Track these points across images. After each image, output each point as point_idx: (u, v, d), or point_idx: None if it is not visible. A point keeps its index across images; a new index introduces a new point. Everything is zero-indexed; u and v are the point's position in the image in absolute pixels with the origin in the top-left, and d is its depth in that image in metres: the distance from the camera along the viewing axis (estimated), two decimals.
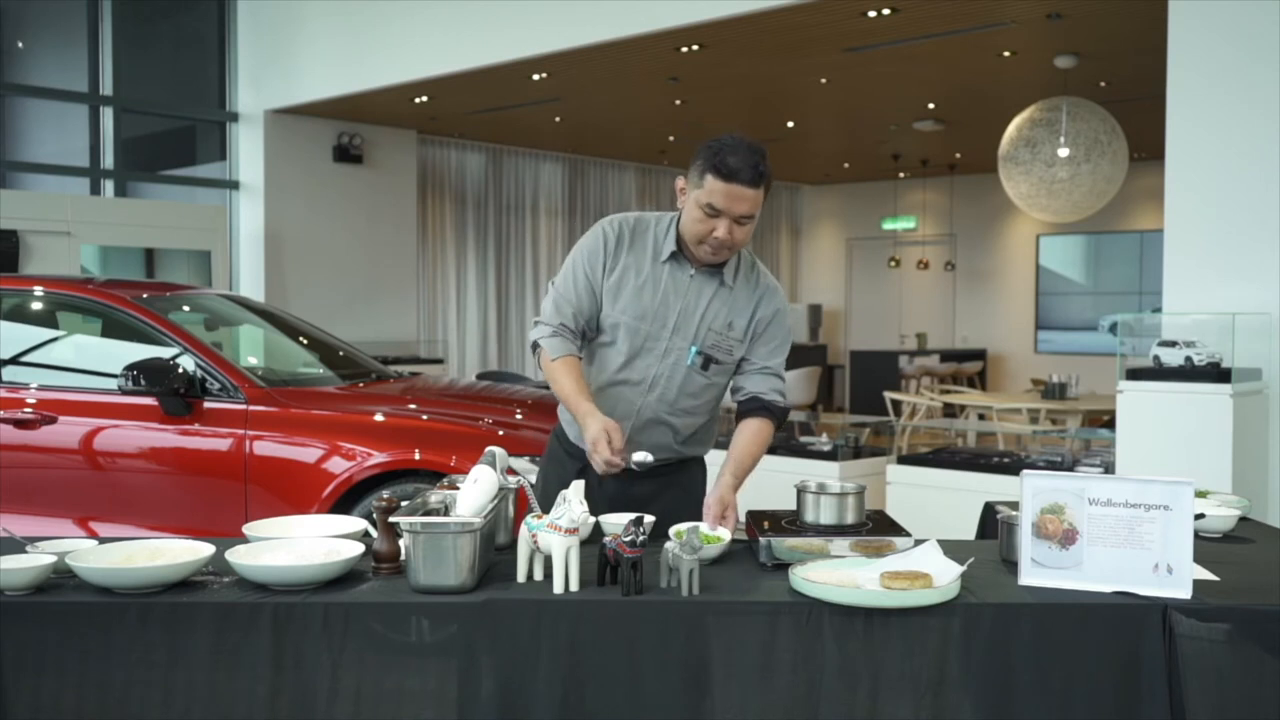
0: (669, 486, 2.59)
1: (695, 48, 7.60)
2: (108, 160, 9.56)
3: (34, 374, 4.57)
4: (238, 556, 2.00)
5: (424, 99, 9.39)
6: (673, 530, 2.17)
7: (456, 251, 12.20)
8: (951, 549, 2.09)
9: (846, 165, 14.22)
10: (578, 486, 2.02)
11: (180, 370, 4.21)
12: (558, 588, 1.94)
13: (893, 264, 14.61)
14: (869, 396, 12.16)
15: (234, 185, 10.20)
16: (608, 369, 2.56)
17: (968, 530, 3.15)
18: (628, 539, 1.92)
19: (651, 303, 2.51)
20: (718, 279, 2.52)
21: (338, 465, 4.12)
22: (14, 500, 4.24)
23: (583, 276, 2.54)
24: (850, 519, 2.24)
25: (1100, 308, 13.41)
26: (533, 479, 3.50)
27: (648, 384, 2.52)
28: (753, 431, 2.54)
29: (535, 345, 2.56)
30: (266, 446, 4.19)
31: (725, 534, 2.27)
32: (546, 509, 2.09)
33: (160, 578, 1.94)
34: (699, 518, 2.40)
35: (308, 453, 4.17)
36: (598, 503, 2.44)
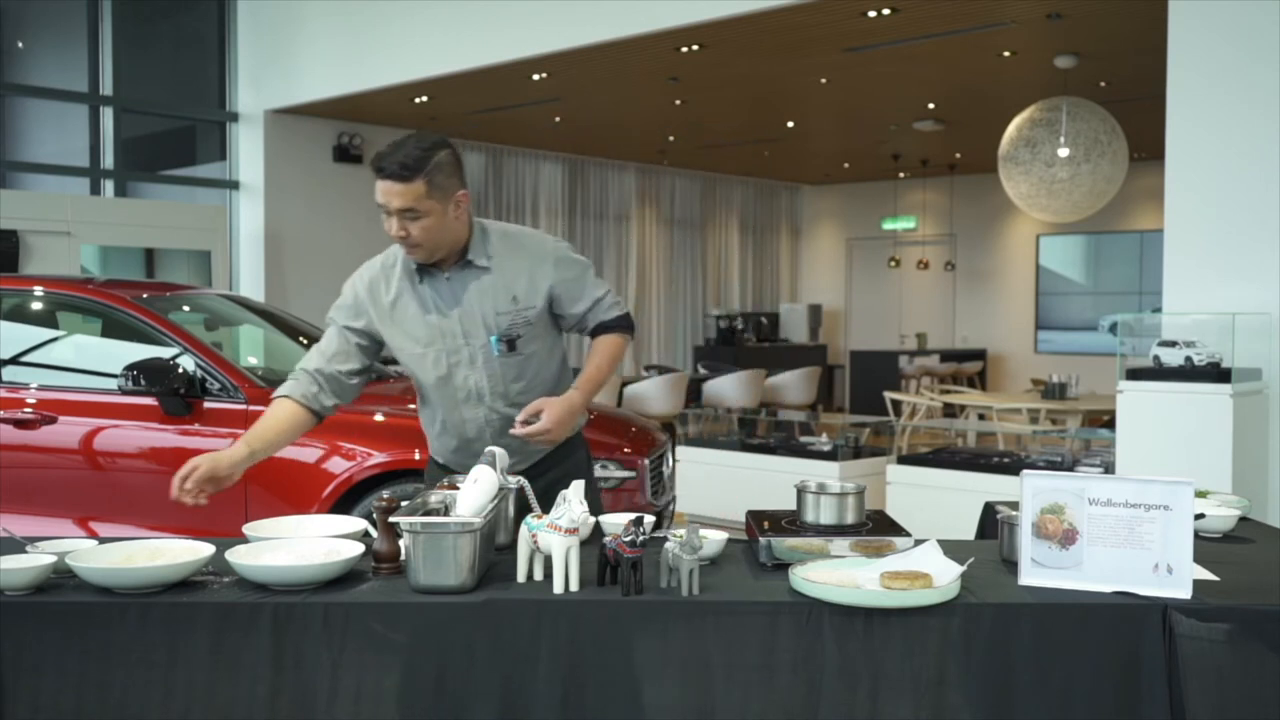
0: (560, 479, 2.43)
1: (695, 48, 7.60)
2: (108, 160, 9.56)
3: (34, 374, 4.56)
4: (238, 556, 2.00)
5: (424, 99, 9.39)
6: (672, 531, 2.16)
7: None
8: (951, 549, 2.09)
9: (846, 165, 14.23)
10: (577, 486, 2.02)
11: (180, 370, 4.21)
12: (558, 588, 1.94)
13: (893, 264, 14.61)
14: (869, 396, 12.17)
15: (234, 185, 10.20)
16: (438, 401, 2.58)
17: (968, 530, 3.15)
18: (628, 539, 1.92)
19: (431, 323, 2.51)
20: (472, 267, 2.51)
21: (338, 465, 4.12)
22: (14, 500, 4.24)
23: (337, 334, 2.58)
24: (850, 519, 2.24)
25: (1100, 308, 13.41)
26: None
27: (476, 394, 2.53)
28: (600, 348, 2.58)
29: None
30: None
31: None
32: None
33: (160, 578, 1.94)
34: (594, 494, 2.37)
35: (308, 453, 4.16)
36: None
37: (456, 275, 2.51)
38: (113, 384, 4.25)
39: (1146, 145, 8.86)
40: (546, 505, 2.17)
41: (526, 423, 2.40)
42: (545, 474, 2.58)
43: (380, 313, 2.55)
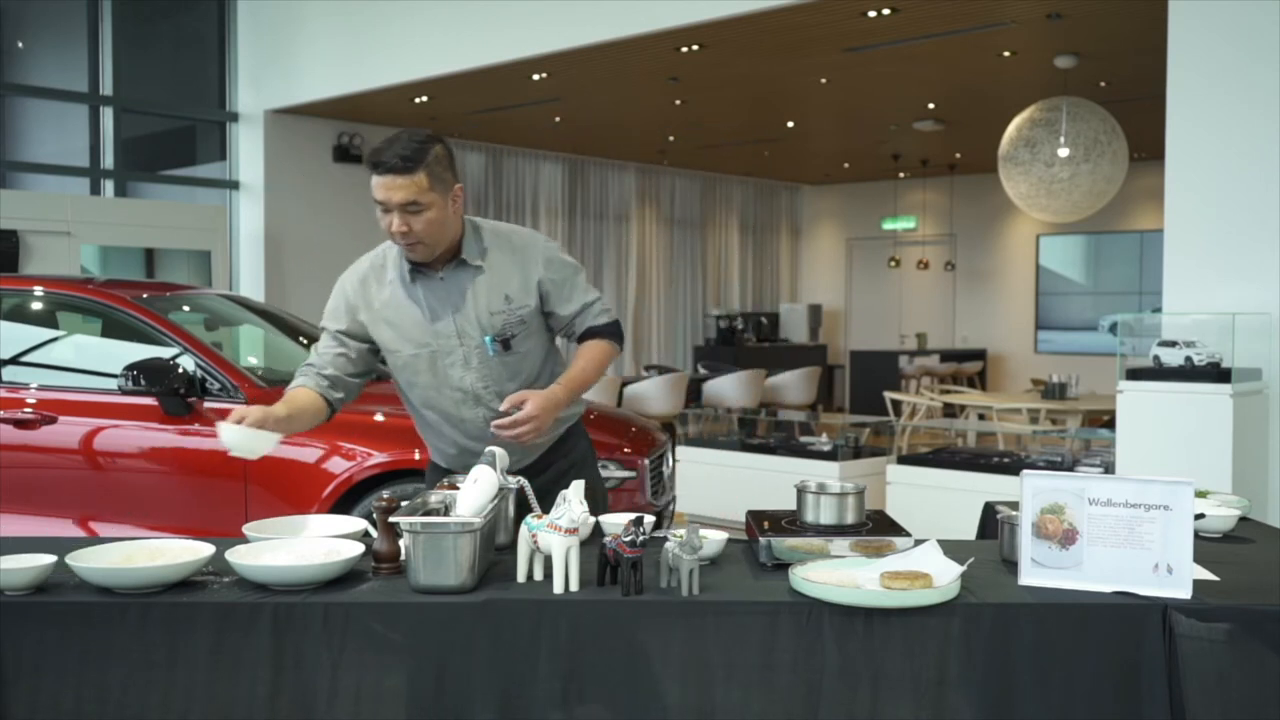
0: (565, 472, 2.54)
1: (695, 48, 7.60)
2: (108, 160, 9.56)
3: (34, 374, 4.57)
4: (238, 556, 2.00)
5: (424, 99, 9.39)
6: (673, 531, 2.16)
7: None
8: (951, 549, 2.08)
9: (846, 165, 14.23)
10: (577, 486, 2.02)
11: (180, 370, 4.21)
12: (558, 588, 1.94)
13: (893, 264, 14.61)
14: (869, 396, 12.17)
15: (234, 185, 10.21)
16: (432, 405, 2.56)
17: (968, 530, 3.15)
18: (628, 539, 1.92)
19: (424, 324, 2.50)
20: (465, 267, 2.50)
21: (338, 465, 4.12)
22: (14, 500, 4.24)
23: (332, 336, 2.56)
24: (850, 519, 2.24)
25: (1100, 308, 13.41)
26: None
27: (473, 396, 2.52)
28: (586, 351, 2.56)
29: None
30: None
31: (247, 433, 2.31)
32: None
33: (160, 578, 1.94)
34: (599, 484, 2.37)
35: (308, 453, 4.16)
36: None
37: (450, 275, 2.49)
38: (113, 384, 4.25)
39: (1146, 145, 8.87)
40: (549, 502, 2.17)
41: (506, 414, 2.37)
42: (547, 469, 2.58)
43: (371, 314, 2.53)
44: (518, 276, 2.52)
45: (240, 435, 2.33)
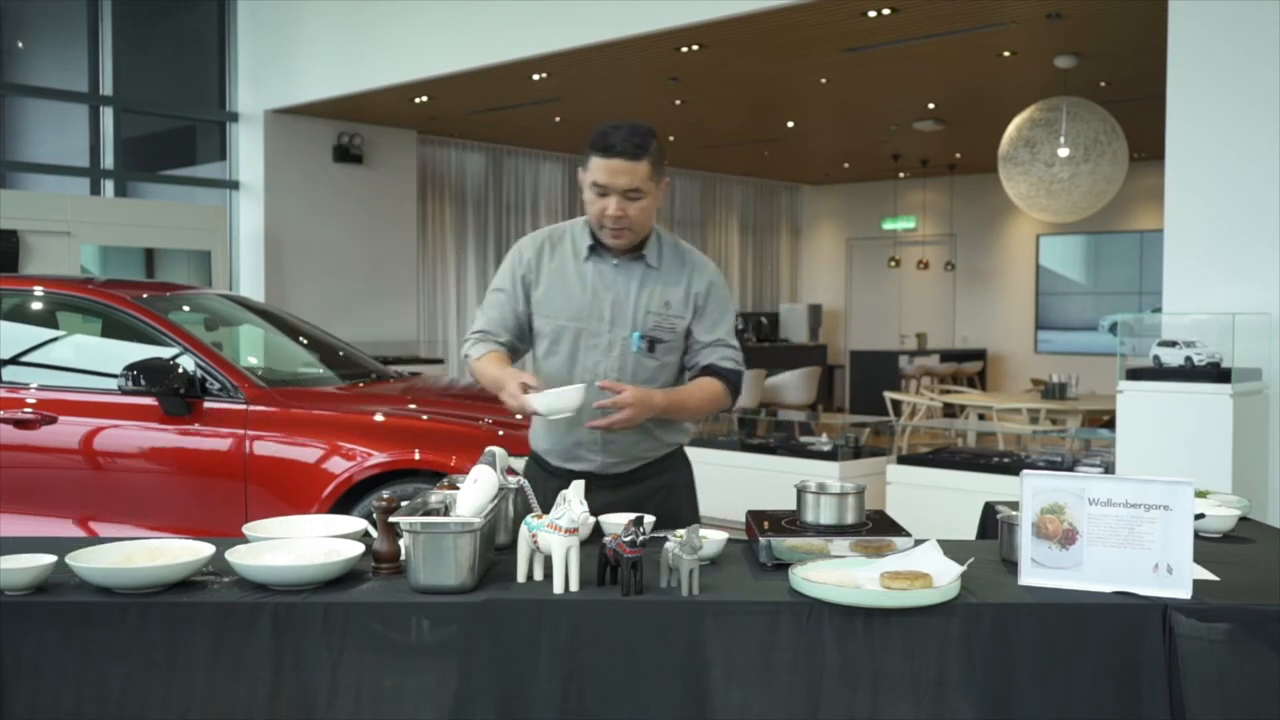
0: (656, 490, 2.60)
1: (695, 48, 7.61)
2: (108, 160, 9.56)
3: (34, 374, 4.57)
4: (238, 556, 2.00)
5: (424, 99, 9.40)
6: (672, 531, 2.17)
7: (456, 251, 12.21)
8: (951, 549, 2.08)
9: (846, 165, 14.23)
10: (578, 486, 2.02)
11: (180, 370, 4.21)
12: (558, 588, 1.94)
13: (893, 264, 14.60)
14: (869, 396, 12.16)
15: (234, 185, 10.21)
16: (557, 380, 2.57)
17: (968, 530, 3.15)
18: (628, 539, 1.92)
19: (583, 300, 2.55)
20: (642, 263, 2.57)
21: (338, 465, 4.12)
22: (14, 500, 4.24)
23: (505, 294, 2.61)
24: (850, 519, 2.24)
25: (1100, 308, 13.41)
26: None
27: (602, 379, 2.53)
28: (698, 382, 2.58)
29: (465, 358, 2.65)
30: (266, 446, 4.19)
31: (577, 387, 2.31)
32: None
33: (160, 578, 1.94)
34: (692, 514, 2.40)
35: (308, 453, 4.17)
36: (596, 512, 2.45)
37: (623, 265, 2.57)
38: (113, 384, 4.25)
39: (1146, 145, 8.86)
40: (662, 523, 2.26)
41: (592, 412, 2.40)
42: (640, 483, 2.59)
43: (538, 277, 2.60)
44: (682, 287, 2.58)
45: (549, 397, 2.34)
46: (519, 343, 2.64)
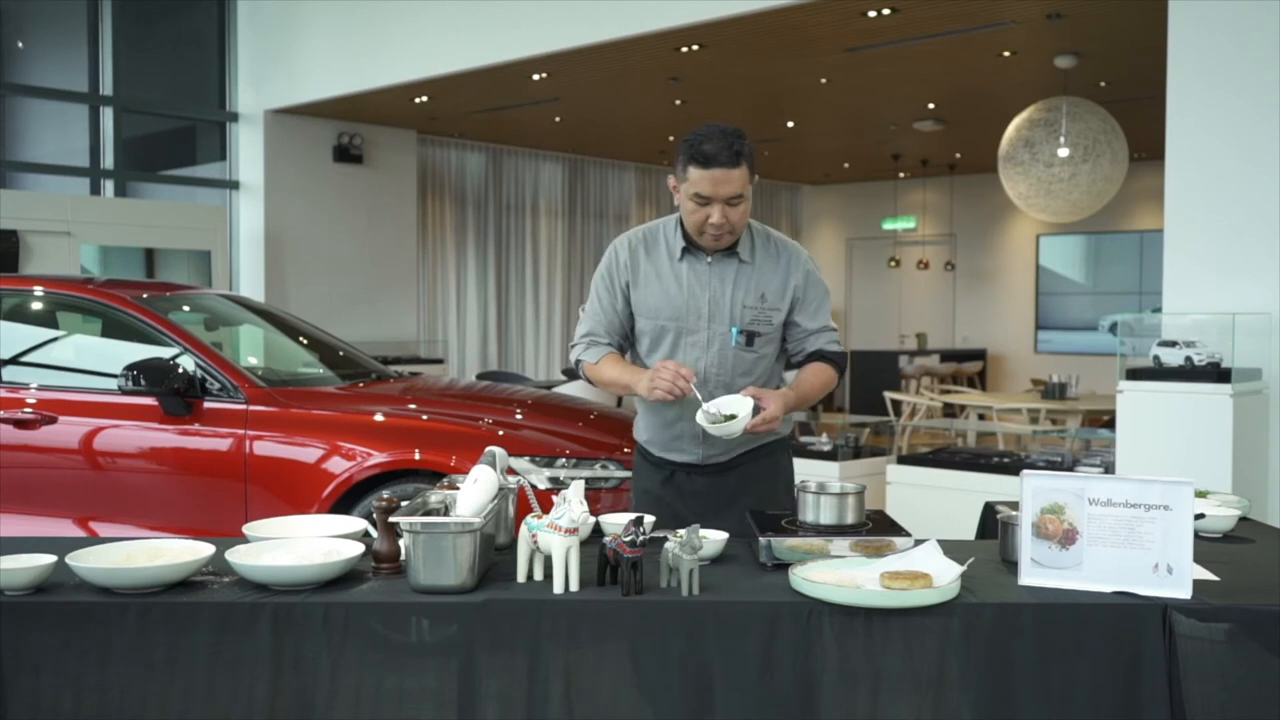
0: (755, 476, 2.65)
1: (695, 48, 7.60)
2: (108, 160, 9.56)
3: (34, 374, 4.56)
4: (238, 556, 2.00)
5: (424, 99, 9.39)
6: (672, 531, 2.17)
7: (456, 251, 12.21)
8: (951, 549, 2.09)
9: (846, 165, 14.23)
10: (578, 486, 2.02)
11: (180, 370, 4.21)
12: (558, 588, 1.94)
13: (893, 264, 14.60)
14: (869, 396, 12.16)
15: (234, 185, 10.21)
16: None
17: (968, 530, 3.15)
18: (628, 539, 1.92)
19: (680, 299, 2.60)
20: (735, 259, 2.61)
21: (338, 465, 4.12)
22: (14, 500, 4.24)
23: (605, 296, 2.67)
24: (850, 519, 2.24)
25: (1100, 308, 13.41)
26: (533, 479, 3.50)
27: (701, 377, 2.58)
28: (814, 369, 2.63)
29: (577, 364, 2.70)
30: (266, 446, 4.19)
31: (745, 402, 2.37)
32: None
33: (160, 578, 1.94)
34: (789, 506, 2.42)
35: (308, 453, 4.16)
36: (687, 499, 2.59)
37: (718, 262, 2.61)
38: (113, 384, 4.24)
39: (1146, 145, 8.86)
40: (736, 503, 2.35)
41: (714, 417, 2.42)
42: (741, 468, 2.65)
43: (636, 276, 2.64)
44: (778, 279, 2.62)
45: (730, 424, 2.38)
46: (625, 343, 2.70)
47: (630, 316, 2.67)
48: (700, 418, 2.40)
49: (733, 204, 2.48)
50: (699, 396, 2.44)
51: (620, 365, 2.62)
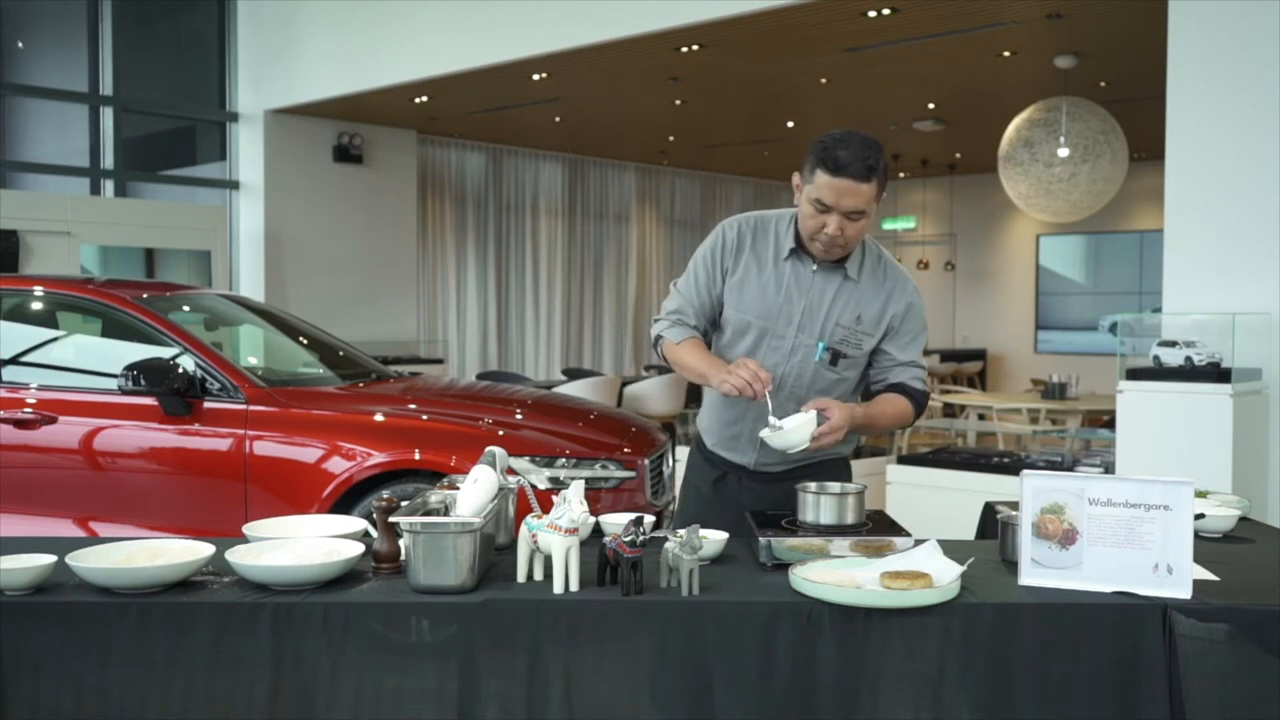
0: (796, 479, 2.52)
1: (695, 48, 7.60)
2: (108, 160, 9.56)
3: (34, 374, 4.56)
4: (238, 556, 2.00)
5: (424, 99, 9.39)
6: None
7: (456, 251, 12.21)
8: (951, 549, 2.09)
9: None
10: (578, 486, 2.01)
11: (180, 370, 4.21)
12: (558, 588, 1.94)
13: None
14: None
15: (234, 185, 10.21)
16: None
17: (968, 530, 3.15)
18: (628, 539, 1.92)
19: (775, 300, 2.50)
20: (841, 273, 2.50)
21: (338, 465, 4.12)
22: (14, 500, 4.24)
23: (703, 275, 2.56)
24: (850, 519, 2.24)
25: (1100, 308, 13.41)
26: (533, 479, 3.51)
27: (776, 382, 2.49)
28: (889, 399, 2.53)
29: (657, 339, 2.60)
30: (266, 446, 4.19)
31: (809, 417, 2.28)
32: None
33: (160, 578, 1.94)
34: None
35: (308, 453, 4.16)
36: (743, 506, 2.48)
37: (823, 271, 2.50)
38: (113, 384, 4.25)
39: (1146, 145, 8.86)
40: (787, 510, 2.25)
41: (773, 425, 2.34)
42: (793, 479, 2.47)
43: (738, 262, 2.54)
44: (878, 304, 2.52)
45: (783, 433, 2.30)
46: (710, 327, 2.60)
47: (721, 303, 2.56)
48: (764, 431, 2.31)
49: (853, 218, 2.36)
50: (770, 404, 2.33)
51: (701, 352, 2.50)
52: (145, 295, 4.66)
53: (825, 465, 2.60)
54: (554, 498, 2.04)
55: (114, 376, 4.23)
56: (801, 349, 2.50)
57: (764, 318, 2.51)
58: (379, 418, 4.30)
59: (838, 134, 2.38)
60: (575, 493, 1.99)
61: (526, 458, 4.06)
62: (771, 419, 2.31)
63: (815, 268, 2.50)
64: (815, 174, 2.37)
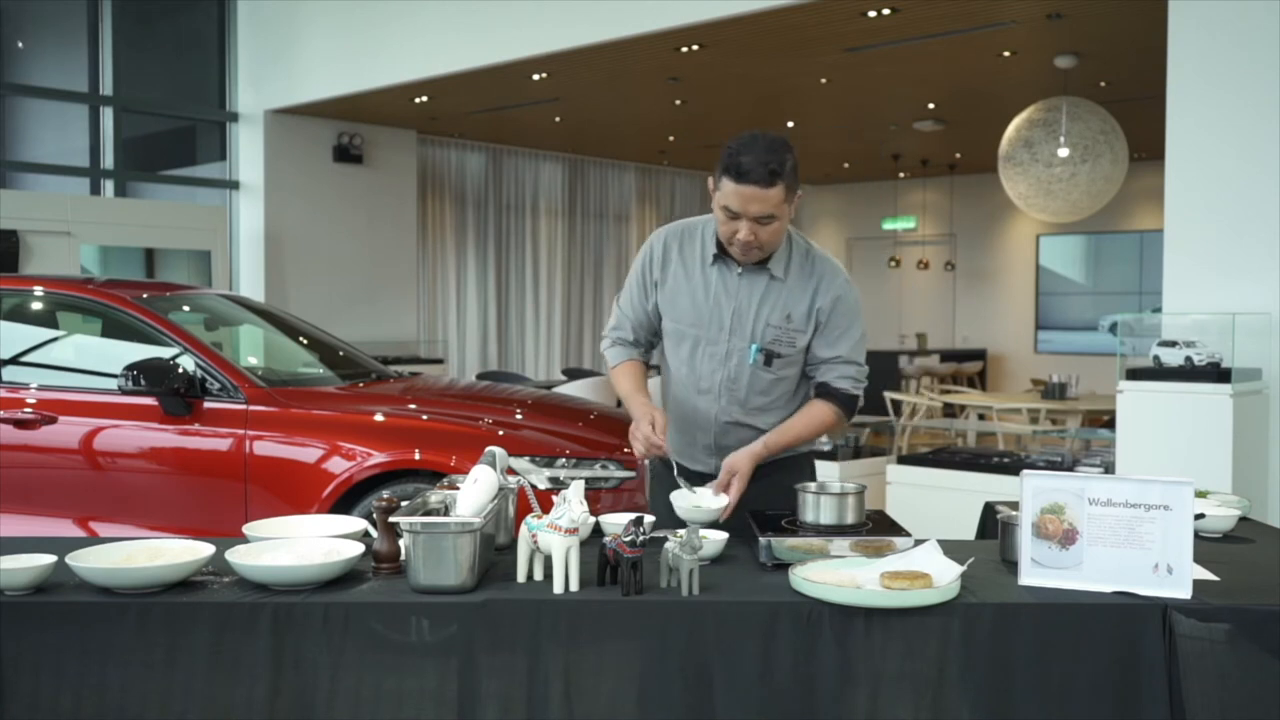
0: (772, 488, 2.51)
1: (695, 48, 7.60)
2: (108, 160, 9.56)
3: (34, 374, 4.56)
4: (238, 556, 2.00)
5: (424, 99, 9.40)
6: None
7: (456, 251, 12.21)
8: (951, 549, 2.09)
9: (846, 165, 14.22)
10: (578, 486, 2.02)
11: (180, 370, 4.21)
12: (558, 588, 1.94)
13: (893, 264, 14.60)
14: (869, 396, 12.03)
15: (234, 185, 10.21)
16: (677, 380, 2.59)
17: (968, 530, 3.15)
18: (628, 539, 1.92)
19: (705, 307, 2.52)
20: (766, 274, 2.50)
21: (338, 465, 4.12)
22: (14, 500, 4.24)
23: (636, 291, 2.60)
24: (850, 519, 2.24)
25: (1100, 308, 13.41)
26: (533, 479, 3.50)
27: (716, 389, 2.52)
28: (805, 412, 2.54)
29: (605, 359, 2.67)
30: (266, 446, 4.19)
31: (718, 503, 2.31)
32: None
33: (160, 578, 1.94)
34: None
35: (308, 453, 4.16)
36: None
37: (748, 274, 2.50)
38: (113, 384, 4.24)
39: (1146, 145, 8.86)
40: (764, 508, 2.28)
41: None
42: (762, 479, 2.50)
43: (665, 274, 2.56)
44: (806, 301, 2.51)
45: (689, 508, 2.32)
46: (653, 338, 2.64)
47: (658, 313, 2.59)
48: (675, 498, 2.32)
49: (763, 222, 2.36)
50: (672, 458, 2.45)
51: (631, 382, 2.55)
52: (145, 295, 4.66)
53: (789, 460, 2.60)
54: (554, 498, 2.04)
55: (114, 376, 4.23)
56: (736, 353, 2.51)
57: (696, 325, 2.53)
58: (379, 418, 4.30)
59: (744, 138, 2.37)
60: (575, 493, 1.99)
61: (526, 458, 4.06)
62: (685, 492, 2.35)
63: (740, 271, 2.50)
64: (722, 181, 2.38)
